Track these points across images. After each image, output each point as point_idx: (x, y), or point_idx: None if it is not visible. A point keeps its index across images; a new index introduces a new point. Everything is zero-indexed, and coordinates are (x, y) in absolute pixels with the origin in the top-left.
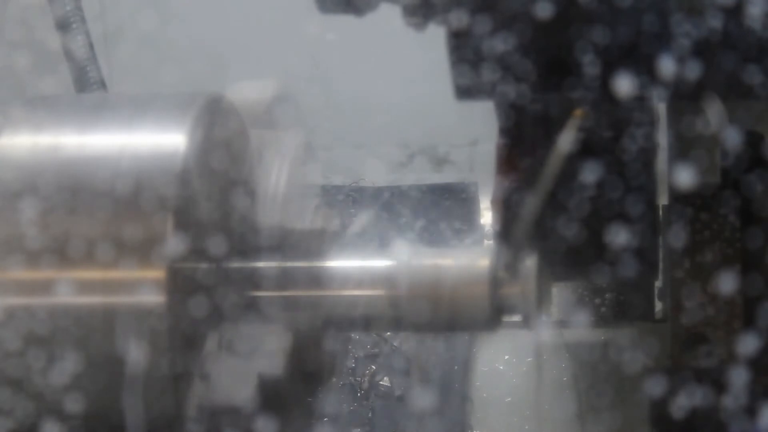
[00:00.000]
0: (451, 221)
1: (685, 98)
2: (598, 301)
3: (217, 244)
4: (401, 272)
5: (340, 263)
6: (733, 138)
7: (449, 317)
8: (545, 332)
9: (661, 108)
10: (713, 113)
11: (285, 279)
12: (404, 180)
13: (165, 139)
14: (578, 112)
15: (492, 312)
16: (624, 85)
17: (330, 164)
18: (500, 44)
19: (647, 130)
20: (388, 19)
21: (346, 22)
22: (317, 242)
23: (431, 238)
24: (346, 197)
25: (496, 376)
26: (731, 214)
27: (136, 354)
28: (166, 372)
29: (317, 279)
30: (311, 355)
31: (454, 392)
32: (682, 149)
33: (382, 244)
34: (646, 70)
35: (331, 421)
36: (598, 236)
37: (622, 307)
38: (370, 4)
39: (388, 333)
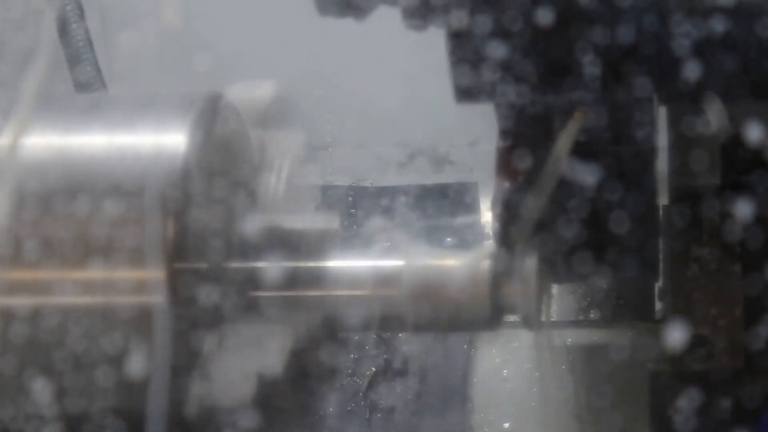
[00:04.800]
0: (451, 221)
1: (685, 98)
2: (598, 301)
3: (217, 245)
4: (401, 272)
5: (340, 263)
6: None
7: (449, 317)
8: (545, 332)
9: (661, 108)
10: (713, 113)
11: (285, 279)
12: (404, 180)
13: (165, 139)
14: (578, 115)
15: (492, 312)
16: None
17: (330, 164)
18: (500, 45)
19: (647, 130)
20: (388, 19)
21: (346, 21)
22: (317, 242)
23: (431, 238)
24: (346, 197)
25: (496, 377)
26: (731, 214)
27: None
28: (166, 372)
29: (317, 279)
30: (311, 355)
31: (454, 393)
32: (683, 149)
33: (382, 245)
34: (646, 70)
35: (330, 422)
36: (598, 237)
37: (621, 307)
38: (370, 7)
39: (388, 333)
